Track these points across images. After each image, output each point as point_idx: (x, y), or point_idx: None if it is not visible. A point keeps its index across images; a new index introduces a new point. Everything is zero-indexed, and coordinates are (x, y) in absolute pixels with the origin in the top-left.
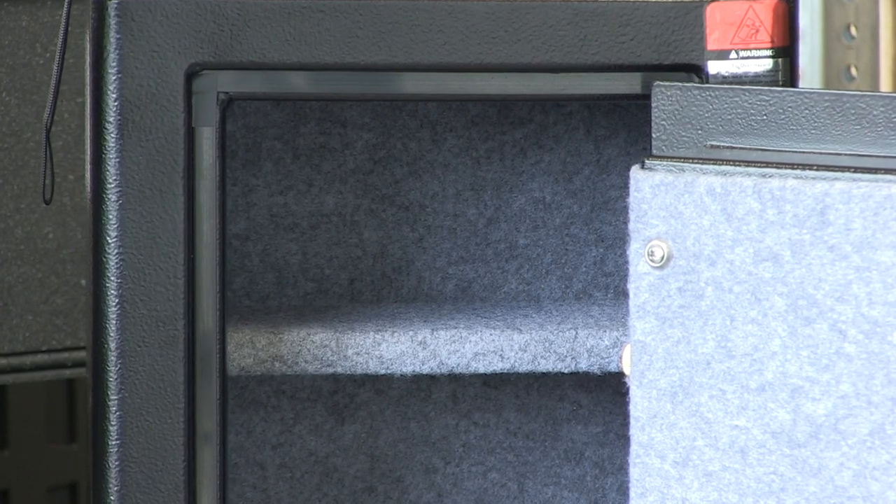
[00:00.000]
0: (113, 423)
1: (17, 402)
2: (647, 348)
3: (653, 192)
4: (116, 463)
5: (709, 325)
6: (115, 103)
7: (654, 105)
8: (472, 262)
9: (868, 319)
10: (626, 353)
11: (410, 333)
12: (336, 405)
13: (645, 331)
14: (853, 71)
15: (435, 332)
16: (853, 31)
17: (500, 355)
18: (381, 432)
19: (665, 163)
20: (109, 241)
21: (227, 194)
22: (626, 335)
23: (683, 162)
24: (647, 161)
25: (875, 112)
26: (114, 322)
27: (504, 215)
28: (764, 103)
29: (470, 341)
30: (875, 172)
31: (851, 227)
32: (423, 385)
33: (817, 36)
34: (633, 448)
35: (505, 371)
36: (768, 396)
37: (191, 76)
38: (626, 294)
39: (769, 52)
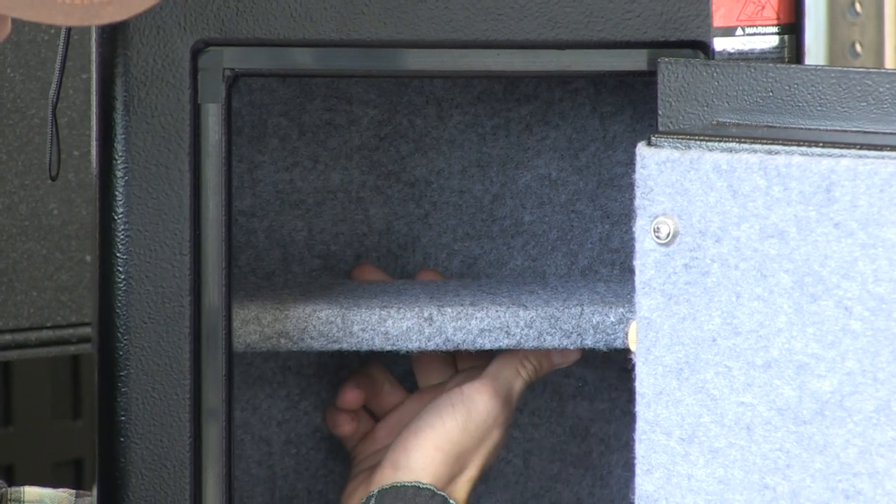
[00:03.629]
0: (118, 399)
1: (22, 378)
2: (652, 325)
3: (659, 168)
4: (122, 439)
5: (715, 301)
6: (121, 80)
7: (659, 82)
8: (478, 238)
9: (874, 296)
10: (632, 329)
11: (416, 310)
12: (342, 381)
13: (651, 307)
14: (858, 48)
15: (441, 309)
16: (858, 7)
17: (506, 332)
18: None
19: (671, 139)
20: (116, 217)
21: (232, 171)
22: (631, 312)
23: (689, 139)
24: (653, 137)
25: (881, 89)
26: (120, 298)
27: (510, 192)
28: (770, 80)
29: (476, 318)
30: (881, 149)
31: (857, 204)
32: None
33: (821, 12)
34: (639, 425)
35: (511, 347)
36: (774, 373)
37: (196, 53)
38: (631, 270)
39: (775, 29)
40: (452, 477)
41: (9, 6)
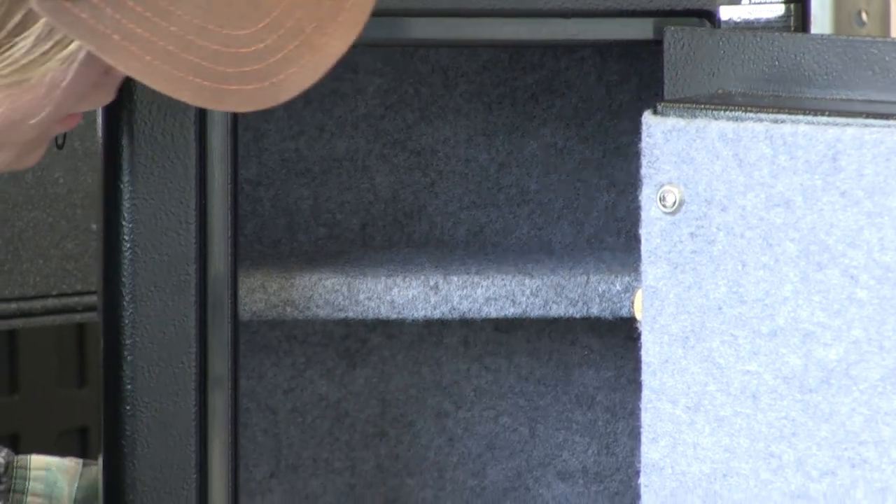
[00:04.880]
0: (124, 367)
1: (28, 346)
2: (658, 293)
3: (665, 137)
4: (127, 407)
5: (720, 270)
6: None
7: (665, 50)
8: (484, 207)
9: (880, 265)
10: (638, 298)
11: (422, 278)
12: (347, 350)
13: (657, 276)
14: (864, 16)
15: (447, 277)
16: None
17: (512, 300)
18: (393, 377)
19: (677, 108)
20: (122, 186)
21: (238, 139)
22: (637, 280)
23: (695, 107)
24: (659, 106)
25: (887, 58)
26: (126, 267)
27: (516, 160)
28: (776, 49)
29: (482, 286)
30: (887, 118)
31: (863, 173)
32: (435, 330)
33: None
34: (645, 393)
35: (517, 316)
36: (780, 342)
37: None
38: (637, 239)
39: None
40: None
41: (142, 72)
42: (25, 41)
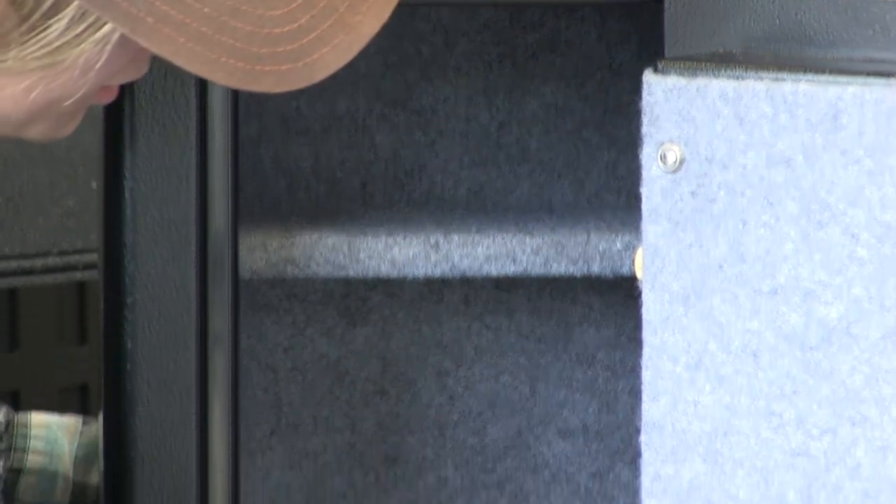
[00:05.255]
0: (125, 325)
1: (28, 304)
2: (659, 252)
3: (665, 95)
4: (128, 365)
5: (721, 228)
6: None
7: (666, 8)
8: (484, 166)
9: (881, 223)
10: (639, 256)
11: (423, 237)
12: (348, 308)
13: (657, 234)
14: None
15: (447, 236)
16: None
17: (513, 258)
18: (393, 335)
19: (678, 67)
20: (123, 144)
21: (238, 98)
22: (638, 239)
23: (696, 66)
24: (659, 65)
25: (887, 17)
26: (126, 225)
27: (516, 119)
28: (777, 8)
29: (482, 244)
30: (887, 77)
31: (864, 132)
32: (435, 288)
33: None
34: (646, 351)
35: (517, 274)
36: (781, 300)
37: None
38: (638, 198)
39: None
40: None
41: (175, 54)
42: (59, 23)
